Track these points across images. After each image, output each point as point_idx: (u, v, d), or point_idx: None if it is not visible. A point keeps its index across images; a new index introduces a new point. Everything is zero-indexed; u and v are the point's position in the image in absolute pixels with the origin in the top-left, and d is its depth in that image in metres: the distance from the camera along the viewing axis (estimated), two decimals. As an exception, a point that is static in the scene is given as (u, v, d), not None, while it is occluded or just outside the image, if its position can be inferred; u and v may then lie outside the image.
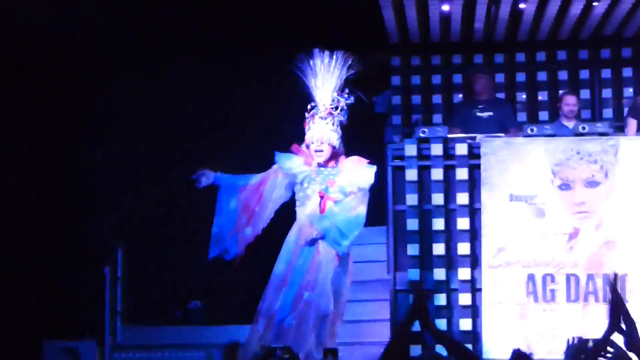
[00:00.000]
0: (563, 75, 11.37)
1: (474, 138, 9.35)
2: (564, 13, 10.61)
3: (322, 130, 7.89)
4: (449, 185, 9.21)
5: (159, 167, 11.32)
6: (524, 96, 11.65)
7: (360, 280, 9.37)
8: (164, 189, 11.23)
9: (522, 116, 11.43)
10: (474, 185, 9.11)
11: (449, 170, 9.22)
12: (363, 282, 9.42)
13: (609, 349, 4.99)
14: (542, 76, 11.56)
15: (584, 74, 11.33)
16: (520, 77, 11.69)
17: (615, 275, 4.58)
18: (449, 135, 9.38)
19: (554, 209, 8.84)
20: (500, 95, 11.16)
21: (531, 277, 8.90)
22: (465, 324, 8.99)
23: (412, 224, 9.17)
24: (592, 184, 8.96)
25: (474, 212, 9.08)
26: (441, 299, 9.07)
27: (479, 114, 10.39)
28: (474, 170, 9.09)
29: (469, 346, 8.93)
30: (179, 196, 10.95)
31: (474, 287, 9.02)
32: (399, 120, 11.53)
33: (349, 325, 9.33)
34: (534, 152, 8.92)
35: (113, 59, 10.99)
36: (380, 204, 9.58)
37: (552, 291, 8.89)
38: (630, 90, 11.05)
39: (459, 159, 9.16)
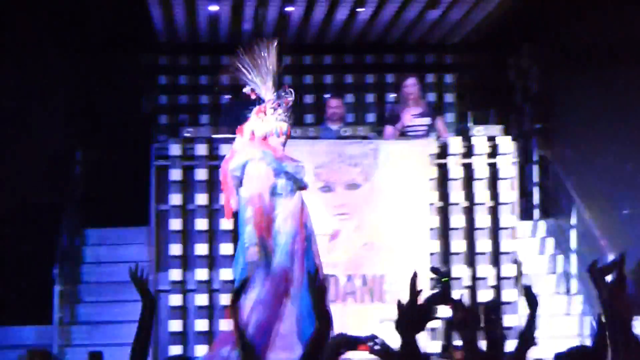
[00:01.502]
0: (328, 79, 11.59)
1: (238, 138, 9.37)
2: (329, 18, 10.83)
3: (282, 122, 7.79)
4: (213, 186, 9.20)
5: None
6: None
7: (120, 281, 9.26)
8: None
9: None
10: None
11: (213, 171, 9.21)
12: (124, 282, 9.25)
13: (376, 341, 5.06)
14: (308, 79, 11.74)
15: (348, 78, 11.59)
16: (288, 79, 11.82)
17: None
18: (214, 136, 9.37)
19: (315, 211, 8.91)
20: (268, 97, 11.23)
21: (289, 277, 8.98)
22: (226, 325, 8.99)
23: (175, 224, 9.12)
24: (352, 186, 9.14)
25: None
26: (203, 300, 9.06)
27: (248, 115, 10.39)
28: (238, 171, 9.10)
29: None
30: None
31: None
32: (165, 119, 11.45)
33: (112, 326, 9.23)
34: (297, 153, 8.96)
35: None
36: (143, 204, 9.50)
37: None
38: (392, 95, 11.37)
39: (223, 160, 9.14)
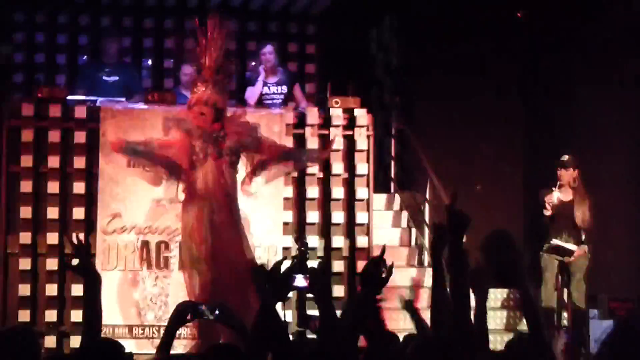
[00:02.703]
0: (188, 43, 11.45)
1: (95, 101, 9.22)
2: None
3: (211, 93, 7.97)
4: (67, 148, 9.03)
5: None
6: (150, 62, 11.66)
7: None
8: None
9: (147, 82, 11.42)
10: (92, 149, 8.98)
11: (67, 133, 9.04)
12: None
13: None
14: (168, 43, 11.61)
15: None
16: (148, 42, 11.69)
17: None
18: (69, 97, 9.18)
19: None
20: (127, 60, 11.08)
21: (145, 244, 8.91)
22: (77, 289, 8.84)
23: (26, 186, 8.92)
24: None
25: (90, 176, 8.96)
26: (53, 264, 8.90)
27: (105, 77, 10.24)
28: (93, 134, 8.95)
29: (80, 312, 8.87)
30: None
31: (88, 252, 8.88)
32: (21, 78, 11.18)
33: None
34: (153, 119, 8.89)
35: None
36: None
37: (166, 258, 8.95)
38: (252, 63, 11.28)
39: (78, 122, 8.99)
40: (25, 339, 4.75)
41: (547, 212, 9.77)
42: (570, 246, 9.75)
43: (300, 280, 4.97)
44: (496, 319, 9.78)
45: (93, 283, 5.04)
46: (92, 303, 5.02)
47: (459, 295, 4.52)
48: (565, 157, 9.92)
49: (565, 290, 9.88)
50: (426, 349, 4.47)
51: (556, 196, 9.79)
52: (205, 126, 8.03)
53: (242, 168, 8.29)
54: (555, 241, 9.76)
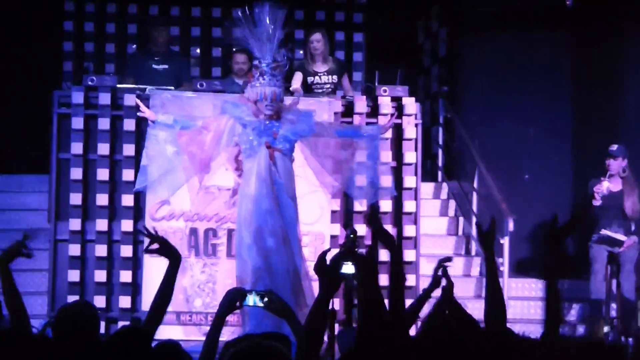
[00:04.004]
0: (237, 32, 11.47)
1: (144, 89, 9.25)
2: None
3: (272, 87, 8.08)
4: (116, 136, 9.09)
5: None
6: (198, 51, 11.70)
7: (21, 228, 9.10)
8: None
9: (195, 71, 11.46)
10: (141, 137, 9.01)
11: (116, 121, 9.09)
12: (25, 230, 9.13)
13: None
14: (216, 32, 11.64)
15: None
16: (195, 31, 11.73)
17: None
18: (118, 85, 9.23)
19: (217, 164, 8.85)
20: (175, 49, 11.13)
21: (194, 231, 8.95)
22: (126, 276, 8.93)
23: (76, 173, 8.99)
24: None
25: (139, 163, 8.99)
26: (102, 250, 8.96)
27: (154, 66, 10.29)
28: (142, 122, 8.98)
29: (128, 299, 8.94)
30: None
31: (135, 239, 8.97)
32: (70, 67, 11.26)
33: (15, 274, 9.04)
34: (203, 107, 8.90)
35: None
36: (43, 152, 9.36)
37: (214, 245, 8.98)
38: (301, 52, 11.30)
39: (127, 110, 9.04)
40: (86, 313, 4.85)
41: (597, 202, 9.69)
42: (620, 236, 9.67)
43: (349, 267, 4.96)
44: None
45: (176, 263, 5.21)
46: (171, 285, 5.15)
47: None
48: (615, 147, 9.84)
49: (615, 282, 9.80)
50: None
51: (606, 186, 9.71)
52: (267, 118, 8.10)
53: (298, 155, 8.34)
54: (604, 232, 9.69)
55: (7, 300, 5.21)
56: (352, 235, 6.83)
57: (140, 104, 8.45)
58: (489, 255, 4.77)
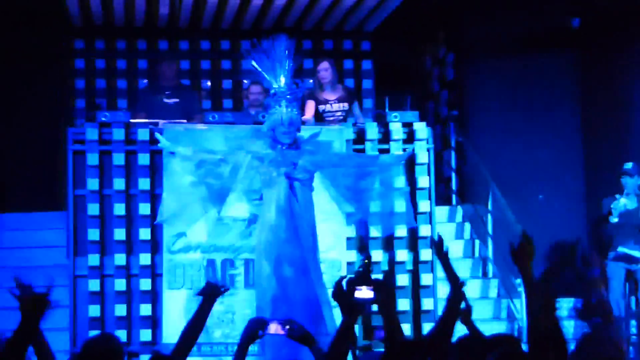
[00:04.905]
0: (247, 64, 11.56)
1: (156, 124, 9.32)
2: (247, 2, 10.83)
3: (289, 114, 8.07)
4: (131, 171, 9.15)
5: None
6: (209, 83, 11.79)
7: (39, 266, 9.20)
8: None
9: (206, 104, 11.55)
10: (155, 171, 9.08)
11: (130, 156, 9.16)
12: (42, 267, 9.21)
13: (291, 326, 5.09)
14: (226, 64, 11.73)
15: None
16: (205, 64, 11.82)
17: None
18: (132, 120, 9.31)
19: (232, 196, 8.89)
20: (185, 82, 11.22)
21: (211, 263, 8.99)
22: (145, 310, 8.98)
23: (93, 209, 9.05)
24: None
25: (155, 197, 9.05)
26: (121, 285, 9.01)
27: (165, 100, 10.37)
28: (156, 156, 9.04)
29: (149, 332, 8.97)
30: None
31: (154, 272, 9.02)
32: (83, 104, 11.35)
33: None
34: (214, 139, 8.95)
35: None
36: (59, 189, 9.42)
37: (232, 276, 9.02)
38: (310, 81, 11.37)
39: (141, 145, 9.11)
40: (111, 345, 4.87)
41: (614, 219, 9.73)
42: (637, 254, 9.70)
43: (365, 292, 4.99)
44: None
45: (209, 304, 5.24)
46: (204, 319, 5.26)
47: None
48: (629, 165, 9.90)
49: (634, 299, 9.82)
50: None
51: (623, 203, 9.76)
52: (285, 146, 8.15)
53: (318, 185, 8.38)
54: (621, 249, 9.72)
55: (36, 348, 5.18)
56: (366, 261, 6.88)
57: (160, 136, 8.49)
58: (524, 273, 4.57)
